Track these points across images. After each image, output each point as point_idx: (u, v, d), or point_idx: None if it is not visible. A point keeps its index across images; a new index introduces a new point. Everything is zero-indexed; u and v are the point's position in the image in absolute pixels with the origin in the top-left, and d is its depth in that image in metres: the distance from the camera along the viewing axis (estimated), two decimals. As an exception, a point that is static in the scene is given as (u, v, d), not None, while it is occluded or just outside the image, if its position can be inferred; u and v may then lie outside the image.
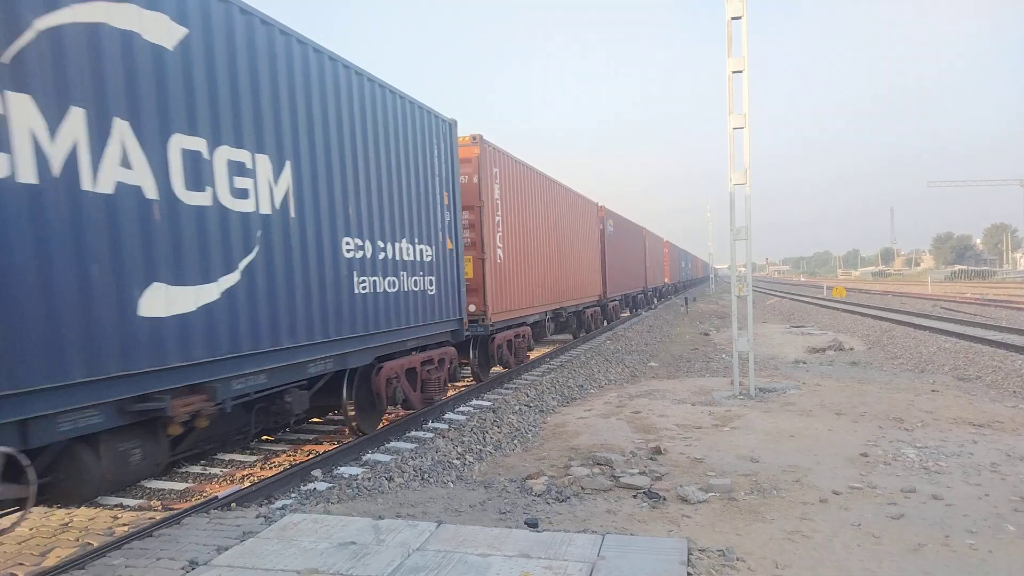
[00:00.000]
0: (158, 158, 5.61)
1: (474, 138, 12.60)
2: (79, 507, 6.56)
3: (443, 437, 9.11)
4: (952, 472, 6.95)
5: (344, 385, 8.69)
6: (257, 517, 5.76)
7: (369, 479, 7.33)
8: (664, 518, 5.91)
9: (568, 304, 19.17)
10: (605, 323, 25.56)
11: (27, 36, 4.62)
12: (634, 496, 6.50)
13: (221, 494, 6.74)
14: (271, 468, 8.24)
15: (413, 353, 10.17)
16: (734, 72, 11.07)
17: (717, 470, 7.21)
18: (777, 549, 5.12)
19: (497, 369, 14.32)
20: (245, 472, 8.12)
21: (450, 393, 11.93)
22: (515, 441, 9.05)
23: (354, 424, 8.98)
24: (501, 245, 13.58)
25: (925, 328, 22.91)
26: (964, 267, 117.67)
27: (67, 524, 6.37)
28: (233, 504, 6.31)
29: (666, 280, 46.15)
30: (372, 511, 6.04)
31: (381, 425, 9.61)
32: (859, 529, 5.50)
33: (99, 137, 5.11)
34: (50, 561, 5.40)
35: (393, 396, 9.47)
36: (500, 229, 13.55)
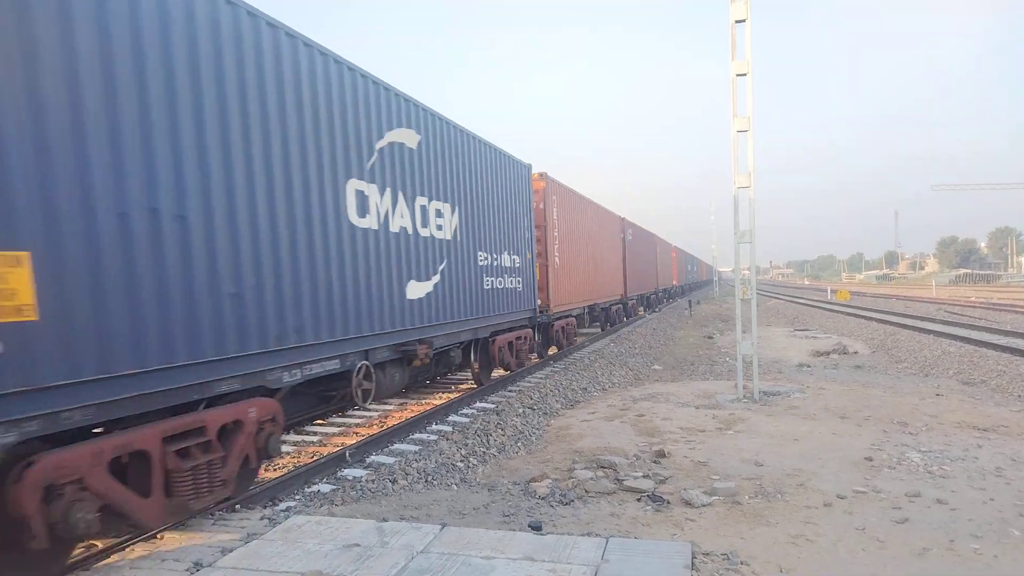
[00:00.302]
0: (410, 211, 9.60)
1: (541, 175, 16.36)
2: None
3: (447, 439, 9.11)
4: (957, 476, 6.93)
5: (472, 350, 12.79)
6: (261, 519, 5.77)
7: (373, 481, 7.34)
8: (668, 521, 5.91)
9: (599, 301, 22.78)
10: (625, 319, 29.80)
11: (375, 155, 8.66)
12: (638, 499, 6.50)
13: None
14: (275, 470, 8.24)
15: (509, 332, 13.97)
16: (738, 75, 11.08)
17: (721, 474, 7.21)
18: (781, 553, 5.12)
19: (552, 350, 18.53)
20: (249, 474, 8.12)
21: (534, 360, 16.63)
22: (519, 444, 9.06)
23: (477, 375, 13.20)
24: (558, 254, 17.33)
25: (929, 332, 22.87)
26: (969, 271, 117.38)
27: (72, 525, 6.37)
28: (237, 506, 6.33)
29: (675, 282, 50.78)
30: (376, 513, 6.05)
31: (492, 377, 13.84)
32: (863, 533, 5.49)
33: (392, 202, 9.08)
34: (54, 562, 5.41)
35: (501, 359, 13.58)
36: (557, 242, 17.25)
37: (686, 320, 33.28)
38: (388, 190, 8.91)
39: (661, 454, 7.91)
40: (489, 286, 12.58)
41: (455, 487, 7.23)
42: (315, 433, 10.00)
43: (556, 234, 17.13)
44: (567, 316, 18.76)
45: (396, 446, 9.03)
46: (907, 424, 9.26)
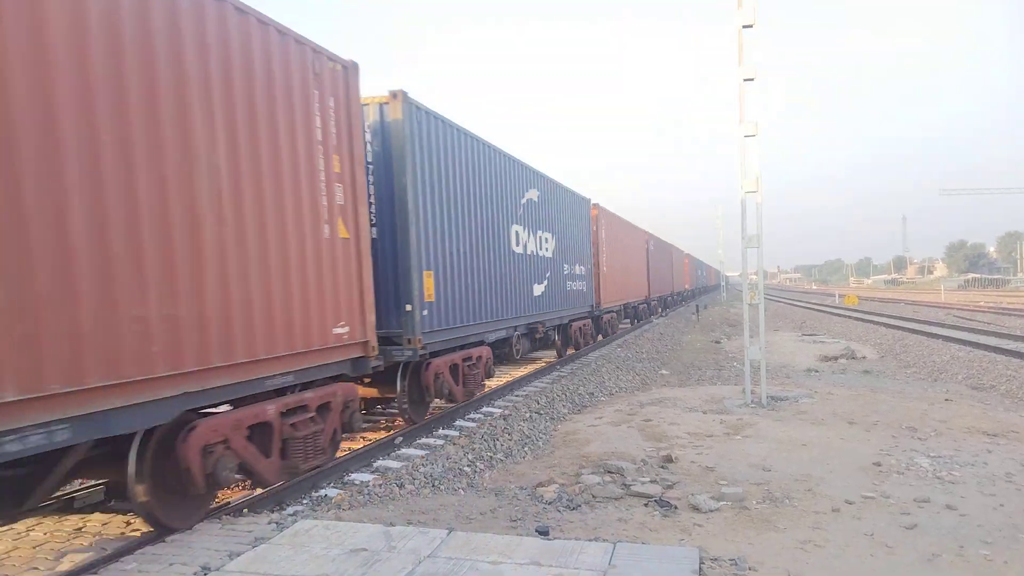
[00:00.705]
0: (535, 240, 14.78)
1: (595, 205, 21.46)
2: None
3: (454, 444, 9.11)
4: (966, 482, 6.89)
5: (557, 332, 17.91)
6: (269, 523, 5.78)
7: (380, 486, 7.34)
8: (675, 527, 5.89)
9: (631, 300, 27.97)
10: (649, 316, 35.40)
11: (522, 204, 13.91)
12: (645, 504, 6.49)
13: (233, 500, 6.77)
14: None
15: (575, 322, 19.02)
16: (745, 80, 11.08)
17: (729, 479, 7.19)
18: (789, 559, 5.10)
19: (599, 338, 23.25)
20: (257, 478, 8.13)
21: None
22: (525, 448, 9.05)
23: (559, 348, 18.42)
24: (605, 264, 22.24)
25: (938, 337, 22.78)
26: (978, 275, 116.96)
27: (81, 529, 6.40)
28: (245, 510, 6.34)
29: (687, 286, 57.46)
30: (383, 518, 6.05)
31: (569, 352, 19.12)
32: (872, 539, 5.46)
33: (528, 235, 14.31)
34: (64, 566, 5.43)
35: (575, 340, 19.25)
36: (604, 255, 22.22)
37: (693, 325, 33.22)
38: (526, 228, 14.37)
39: (668, 459, 7.89)
40: (569, 288, 17.82)
41: (462, 492, 7.23)
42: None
43: (604, 248, 22.23)
44: (611, 311, 24.07)
45: (403, 451, 9.04)
46: (916, 429, 9.22)
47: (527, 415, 10.86)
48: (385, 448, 8.93)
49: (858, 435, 9.00)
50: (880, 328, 27.73)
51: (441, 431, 10.06)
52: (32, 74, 4.22)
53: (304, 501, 7.00)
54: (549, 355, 18.88)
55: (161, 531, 5.60)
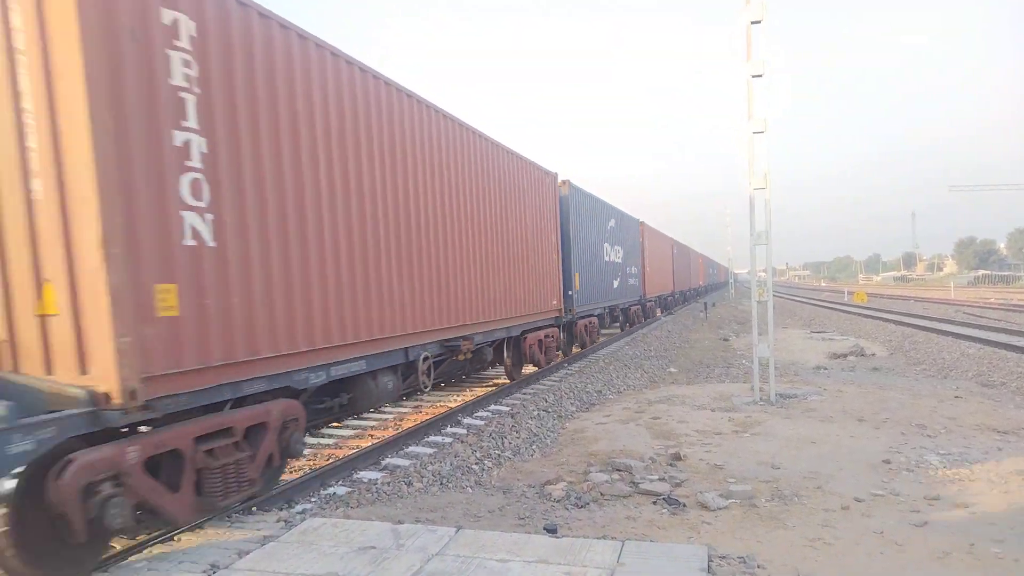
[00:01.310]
0: (613, 251, 22.43)
1: (641, 223, 28.57)
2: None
3: (462, 442, 9.11)
4: (977, 479, 6.86)
5: (621, 314, 25.92)
6: (278, 521, 5.80)
7: (388, 484, 7.35)
8: (684, 524, 5.88)
9: (663, 293, 36.18)
10: (675, 307, 44.51)
11: (607, 229, 21.74)
12: (654, 502, 6.48)
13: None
14: (291, 472, 8.27)
15: (632, 307, 26.62)
16: (753, 76, 11.03)
17: (737, 476, 7.17)
18: (799, 556, 5.08)
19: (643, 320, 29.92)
20: (265, 476, 8.15)
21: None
22: (533, 446, 9.05)
23: (622, 324, 26.83)
24: (648, 266, 29.99)
25: (948, 334, 22.67)
26: (988, 272, 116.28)
27: (91, 527, 6.43)
28: (254, 508, 6.35)
29: (701, 283, 66.33)
30: (392, 516, 6.06)
31: (628, 328, 27.44)
32: (882, 536, 5.44)
33: (610, 248, 21.94)
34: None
35: (632, 319, 27.23)
36: (647, 258, 29.87)
37: (701, 322, 33.15)
38: (608, 244, 21.49)
39: (677, 457, 7.88)
40: (629, 283, 25.35)
41: (470, 490, 7.23)
42: (331, 436, 10.04)
43: (647, 254, 29.96)
44: (651, 300, 32.01)
45: (411, 448, 9.05)
46: (925, 427, 9.17)
47: (535, 413, 10.86)
48: (393, 446, 8.96)
49: (867, 432, 8.97)
50: (889, 325, 27.61)
51: (449, 428, 10.08)
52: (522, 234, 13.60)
53: (313, 499, 7.01)
54: (613, 331, 26.38)
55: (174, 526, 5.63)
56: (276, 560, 4.85)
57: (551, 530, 5.57)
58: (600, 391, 13.43)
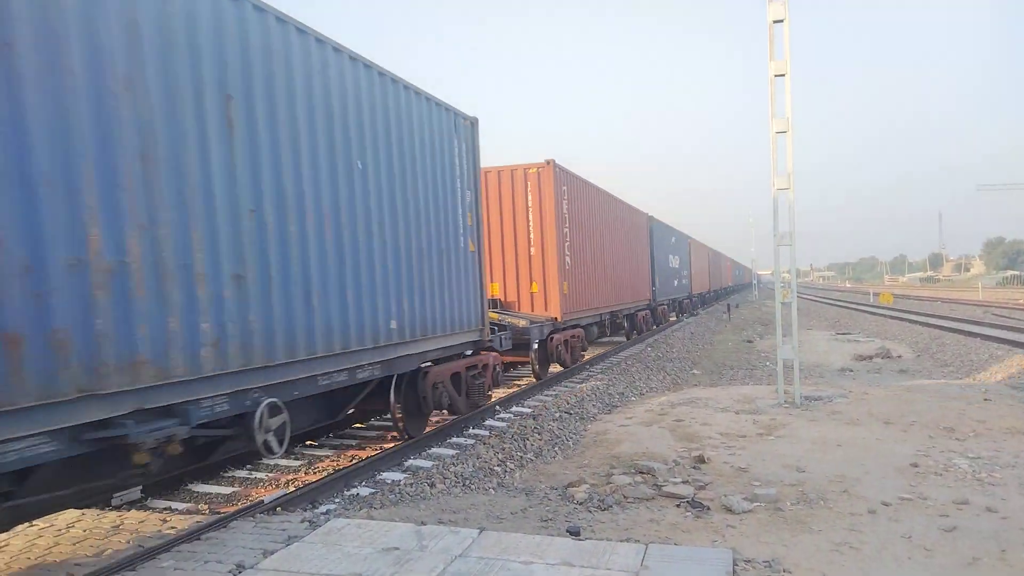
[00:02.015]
0: (675, 258, 33.80)
1: (690, 238, 39.95)
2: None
3: (484, 444, 9.13)
4: (1007, 484, 6.74)
5: (677, 306, 36.34)
6: (302, 522, 5.83)
7: (411, 485, 7.38)
8: (708, 528, 5.84)
9: (702, 291, 46.37)
10: (712, 300, 54.89)
11: (670, 246, 32.27)
12: (677, 505, 6.44)
13: (267, 498, 6.84)
14: (315, 473, 8.33)
15: (684, 300, 37.79)
16: (776, 76, 10.94)
17: (762, 480, 7.11)
18: (825, 561, 5.02)
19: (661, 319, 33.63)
20: (290, 477, 8.22)
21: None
22: (556, 448, 9.03)
23: (679, 313, 36.57)
24: (693, 268, 40.24)
25: (976, 335, 22.33)
26: (1017, 272, 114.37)
27: (118, 526, 6.52)
28: (279, 508, 6.40)
29: (729, 283, 76.74)
30: (415, 517, 6.08)
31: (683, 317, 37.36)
32: (910, 541, 5.37)
33: (671, 256, 32.69)
34: (103, 562, 5.53)
35: (686, 309, 38.77)
36: (693, 263, 40.01)
37: (725, 324, 32.96)
38: (670, 255, 31.78)
39: (700, 460, 7.83)
40: (682, 283, 35.37)
41: (493, 491, 7.23)
42: (353, 437, 10.10)
43: (693, 259, 39.97)
44: (694, 296, 41.40)
45: (433, 449, 9.08)
46: (954, 430, 9.04)
47: (557, 415, 10.84)
48: (415, 448, 8.99)
49: (894, 435, 8.85)
50: (916, 326, 27.28)
51: (471, 430, 10.10)
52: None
53: (337, 499, 7.05)
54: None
55: (205, 525, 5.69)
56: (300, 560, 4.89)
57: (574, 532, 5.56)
58: (622, 393, 13.39)
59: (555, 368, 15.89)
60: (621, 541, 5.26)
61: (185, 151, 5.39)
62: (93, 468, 5.21)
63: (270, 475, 8.28)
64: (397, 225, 8.40)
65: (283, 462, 8.75)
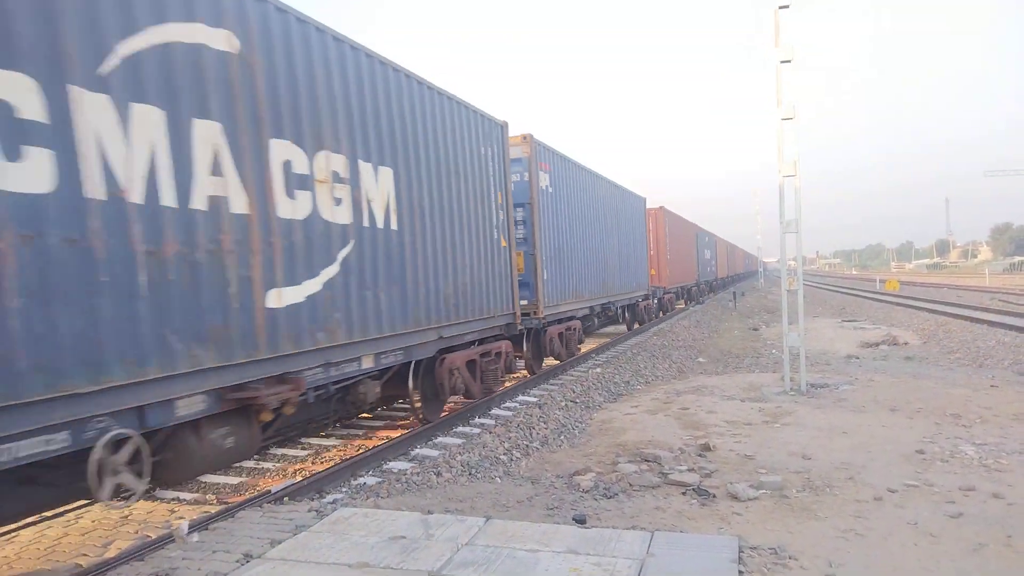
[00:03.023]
0: (708, 251, 45.71)
1: (715, 235, 51.63)
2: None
3: (490, 433, 9.14)
4: (1014, 470, 6.74)
5: (707, 285, 45.37)
6: (309, 511, 5.86)
7: (418, 474, 7.40)
8: (714, 515, 5.85)
9: (720, 276, 55.56)
10: (729, 284, 60.83)
11: (705, 240, 45.58)
12: (683, 493, 6.45)
13: (274, 488, 6.88)
14: (322, 463, 8.37)
15: (711, 282, 48.55)
16: (782, 62, 10.88)
17: (768, 467, 7.11)
18: (831, 548, 5.03)
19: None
20: (297, 466, 8.26)
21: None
22: (561, 437, 9.05)
23: (705, 294, 43.86)
24: (717, 259, 52.51)
25: (983, 322, 22.23)
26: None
27: (127, 517, 6.57)
28: (286, 498, 6.44)
29: (740, 270, 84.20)
30: (421, 506, 6.10)
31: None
32: (916, 528, 5.37)
33: (705, 250, 43.52)
34: (111, 553, 5.58)
35: (712, 288, 49.69)
36: (719, 255, 54.11)
37: (730, 312, 32.90)
38: (706, 248, 42.96)
39: (706, 447, 7.83)
40: (713, 268, 47.92)
41: (499, 480, 7.25)
42: (361, 427, 10.13)
43: (719, 251, 52.61)
44: (717, 279, 51.35)
45: (439, 439, 9.10)
46: (960, 416, 9.03)
47: (563, 404, 10.86)
48: (422, 437, 9.02)
49: (900, 422, 8.85)
50: (922, 313, 27.17)
51: (477, 419, 10.12)
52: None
53: (343, 489, 7.08)
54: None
55: (213, 515, 5.73)
56: (308, 549, 4.91)
57: (580, 520, 5.58)
58: (628, 382, 13.39)
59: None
60: (627, 529, 5.27)
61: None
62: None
63: (277, 465, 8.32)
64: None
65: (290, 452, 8.80)
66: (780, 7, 10.75)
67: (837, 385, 11.55)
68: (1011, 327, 20.12)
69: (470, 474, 7.48)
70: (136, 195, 5.04)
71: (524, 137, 13.36)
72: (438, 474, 7.41)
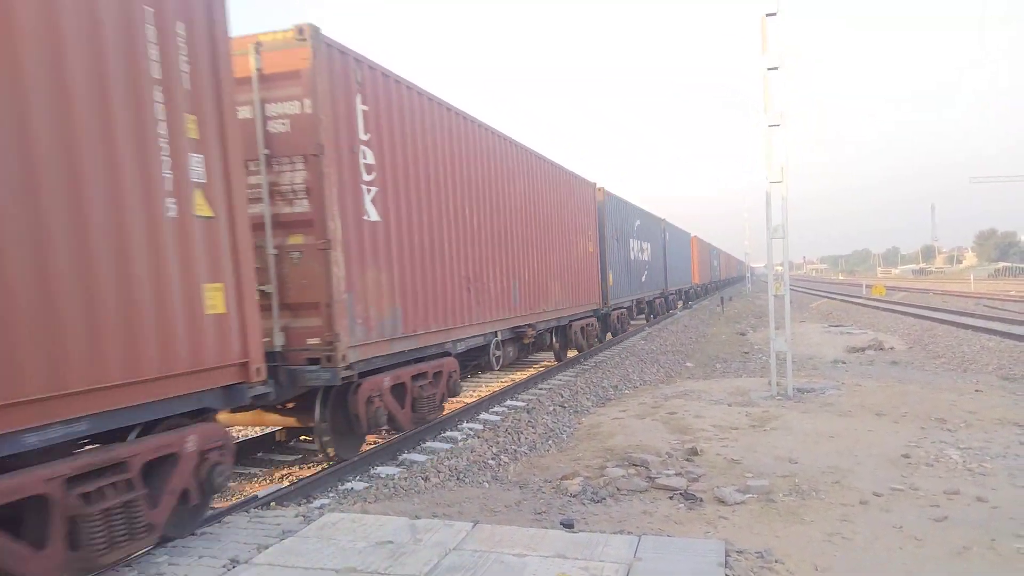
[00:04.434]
0: (716, 260, 65.08)
1: (696, 236, 46.26)
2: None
3: (478, 437, 9.14)
4: (997, 474, 6.79)
5: (682, 295, 41.47)
6: (296, 516, 5.84)
7: (405, 479, 7.39)
8: (701, 519, 5.87)
9: (704, 282, 52.08)
10: (721, 287, 65.46)
11: (711, 255, 56.92)
12: (670, 497, 6.47)
13: (261, 493, 6.85)
14: (309, 468, 8.34)
15: (684, 290, 41.82)
16: (768, 69, 10.95)
17: (755, 471, 7.14)
18: (816, 551, 5.06)
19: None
20: (284, 471, 8.23)
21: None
22: (550, 442, 9.06)
23: (681, 302, 40.78)
24: (696, 264, 45.28)
25: (968, 327, 22.43)
26: (1008, 264, 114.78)
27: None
28: (273, 503, 6.41)
29: (733, 274, 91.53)
30: (409, 511, 6.09)
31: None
32: (901, 531, 5.41)
33: (715, 259, 62.90)
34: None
35: (689, 297, 44.50)
36: (696, 259, 45.30)
37: (718, 317, 33.01)
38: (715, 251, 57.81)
39: (694, 452, 7.86)
40: (680, 276, 36.61)
41: (487, 485, 7.25)
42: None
43: (696, 256, 45.00)
44: (697, 287, 46.70)
45: (427, 444, 9.09)
46: (945, 421, 9.09)
47: (551, 408, 10.87)
48: (409, 442, 9.00)
49: (886, 427, 8.91)
50: (908, 318, 27.38)
51: (465, 424, 10.11)
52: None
53: (331, 494, 7.06)
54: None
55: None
56: (295, 554, 4.90)
57: (568, 525, 5.58)
58: (616, 386, 13.42)
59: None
60: (614, 533, 5.28)
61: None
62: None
63: (264, 470, 8.28)
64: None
65: (277, 457, 8.76)
66: (767, 14, 10.82)
67: (824, 389, 11.61)
68: (995, 332, 20.31)
69: (458, 479, 7.47)
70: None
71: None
72: (426, 479, 7.40)
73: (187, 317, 5.06)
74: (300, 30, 7.13)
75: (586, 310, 17.82)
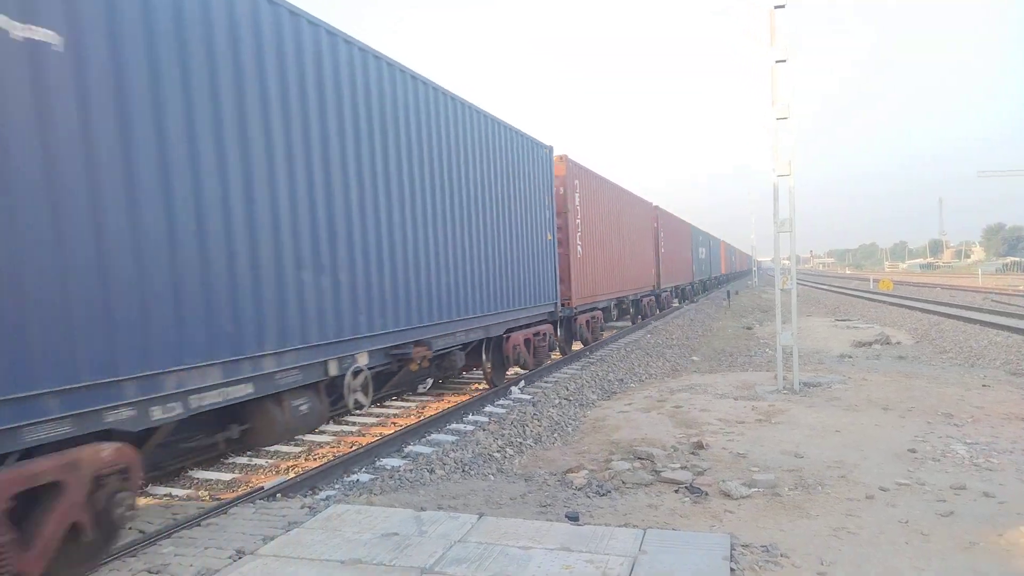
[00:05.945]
0: (704, 250, 48.18)
1: (723, 241, 65.42)
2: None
3: (483, 430, 9.15)
4: (1005, 469, 6.77)
5: (713, 281, 55.98)
6: (302, 507, 5.86)
7: (411, 471, 7.40)
8: (706, 513, 5.87)
9: (721, 273, 61.61)
10: (731, 280, 69.01)
11: (700, 238, 48.07)
12: (676, 491, 6.47)
13: (267, 484, 6.87)
14: (315, 459, 8.36)
15: (704, 281, 48.57)
16: (777, 61, 10.90)
17: (760, 465, 7.13)
18: (822, 546, 5.05)
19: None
20: (290, 463, 8.25)
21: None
22: (555, 435, 9.06)
23: (702, 291, 48.90)
24: (723, 259, 63.58)
25: (975, 321, 22.34)
26: (1017, 259, 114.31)
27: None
28: (279, 495, 6.43)
29: (743, 268, 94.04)
30: (414, 503, 6.10)
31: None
32: (907, 526, 5.39)
33: (700, 249, 44.31)
34: (104, 548, 5.54)
35: (717, 284, 56.93)
36: (724, 255, 64.36)
37: (724, 311, 32.96)
38: (702, 248, 43.52)
39: (699, 445, 7.85)
40: (714, 270, 52.20)
41: (492, 477, 7.26)
42: (353, 423, 10.12)
43: (724, 253, 63.13)
44: (721, 276, 60.69)
45: (433, 436, 9.10)
46: (952, 416, 9.06)
47: (556, 401, 10.87)
48: (415, 434, 9.02)
49: (892, 421, 8.88)
50: (915, 313, 27.29)
51: (471, 417, 10.13)
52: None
53: (336, 486, 7.08)
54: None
55: (206, 511, 5.71)
56: (301, 545, 4.91)
57: (573, 517, 5.59)
58: (622, 380, 13.41)
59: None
60: (619, 526, 5.29)
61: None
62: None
63: (270, 461, 8.31)
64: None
65: (283, 448, 8.78)
66: (776, 7, 10.76)
67: (830, 384, 11.58)
68: (1003, 327, 20.22)
69: (463, 471, 7.48)
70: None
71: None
72: (431, 471, 7.41)
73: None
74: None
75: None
